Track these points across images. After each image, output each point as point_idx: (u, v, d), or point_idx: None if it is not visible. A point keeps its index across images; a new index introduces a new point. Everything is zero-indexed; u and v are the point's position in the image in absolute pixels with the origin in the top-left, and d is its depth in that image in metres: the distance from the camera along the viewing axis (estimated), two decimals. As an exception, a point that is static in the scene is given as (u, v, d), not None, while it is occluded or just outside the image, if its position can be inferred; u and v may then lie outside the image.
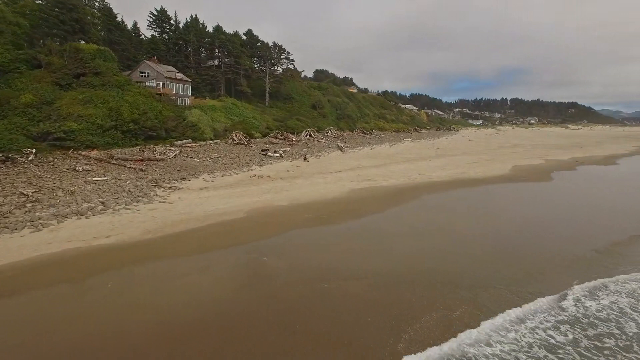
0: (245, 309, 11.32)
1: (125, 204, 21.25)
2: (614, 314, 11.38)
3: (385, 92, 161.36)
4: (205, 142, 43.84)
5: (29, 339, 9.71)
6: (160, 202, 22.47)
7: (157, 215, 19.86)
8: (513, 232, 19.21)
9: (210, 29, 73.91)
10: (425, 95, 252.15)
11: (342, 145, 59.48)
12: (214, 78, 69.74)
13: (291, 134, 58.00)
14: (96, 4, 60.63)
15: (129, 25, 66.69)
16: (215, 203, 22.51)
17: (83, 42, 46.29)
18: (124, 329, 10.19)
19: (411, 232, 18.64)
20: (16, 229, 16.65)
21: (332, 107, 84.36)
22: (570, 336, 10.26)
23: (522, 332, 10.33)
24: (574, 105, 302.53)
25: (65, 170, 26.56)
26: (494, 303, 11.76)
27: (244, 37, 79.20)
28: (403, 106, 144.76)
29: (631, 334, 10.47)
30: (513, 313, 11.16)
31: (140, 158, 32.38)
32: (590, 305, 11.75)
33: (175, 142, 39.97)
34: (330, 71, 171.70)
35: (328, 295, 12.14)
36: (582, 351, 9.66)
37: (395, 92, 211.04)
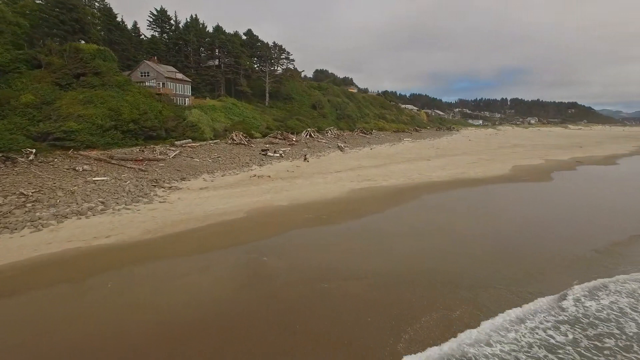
0: (245, 309, 11.32)
1: (125, 204, 21.25)
2: (614, 314, 11.38)
3: (385, 92, 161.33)
4: (205, 142, 43.83)
5: (29, 339, 9.70)
6: (160, 202, 22.47)
7: (157, 215, 19.86)
8: (513, 232, 19.20)
9: (210, 29, 74.02)
10: (425, 95, 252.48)
11: (342, 145, 59.48)
12: (214, 78, 69.73)
13: (291, 134, 57.99)
14: (96, 4, 60.64)
15: (129, 25, 66.79)
16: (215, 203, 22.51)
17: (83, 42, 46.28)
18: (124, 329, 10.19)
19: (411, 232, 18.64)
20: (16, 229, 16.64)
21: (332, 107, 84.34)
22: (570, 336, 10.26)
23: (522, 332, 10.32)
24: (574, 105, 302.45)
25: (65, 170, 26.55)
26: (494, 303, 11.76)
27: (244, 37, 79.19)
28: (403, 106, 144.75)
29: (631, 334, 10.46)
30: (513, 313, 11.16)
31: (140, 158, 32.38)
32: (590, 305, 11.75)
33: (175, 142, 39.97)
34: (330, 71, 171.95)
35: (328, 295, 12.14)
36: (582, 351, 9.66)
37: (395, 92, 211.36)
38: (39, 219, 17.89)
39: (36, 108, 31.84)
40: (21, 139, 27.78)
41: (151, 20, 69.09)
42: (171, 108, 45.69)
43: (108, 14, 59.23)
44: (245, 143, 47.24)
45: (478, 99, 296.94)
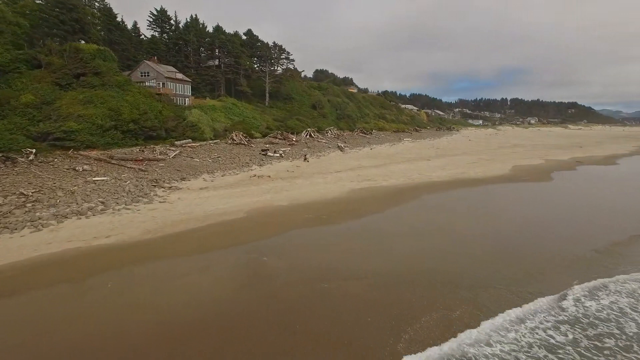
0: (245, 309, 11.32)
1: (125, 204, 21.25)
2: (614, 314, 11.38)
3: (385, 92, 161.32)
4: (205, 142, 43.84)
5: (29, 339, 9.70)
6: (160, 202, 22.47)
7: (157, 215, 19.86)
8: (513, 232, 19.20)
9: (210, 29, 74.01)
10: (425, 95, 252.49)
11: (342, 145, 59.48)
12: (214, 78, 69.73)
13: (291, 134, 57.99)
14: (96, 4, 60.64)
15: (129, 25, 66.79)
16: (215, 203, 22.51)
17: (83, 42, 46.28)
18: (124, 329, 10.19)
19: (411, 232, 18.64)
20: (16, 229, 16.64)
21: (332, 107, 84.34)
22: (570, 336, 10.26)
23: (522, 332, 10.32)
24: (574, 105, 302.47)
25: (65, 170, 26.55)
26: (494, 303, 11.76)
27: (244, 37, 79.19)
28: (403, 106, 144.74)
29: (631, 334, 10.46)
30: (513, 313, 11.16)
31: (140, 158, 32.38)
32: (590, 305, 11.75)
33: (175, 142, 39.97)
34: (330, 71, 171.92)
35: (328, 295, 12.14)
36: (582, 351, 9.66)
37: (395, 92, 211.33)
38: (39, 219, 17.89)
39: (36, 108, 31.83)
40: (21, 139, 27.78)
41: (151, 20, 69.11)
42: (171, 108, 45.68)
43: (108, 14, 59.22)
44: (245, 143, 47.24)
45: (478, 99, 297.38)
